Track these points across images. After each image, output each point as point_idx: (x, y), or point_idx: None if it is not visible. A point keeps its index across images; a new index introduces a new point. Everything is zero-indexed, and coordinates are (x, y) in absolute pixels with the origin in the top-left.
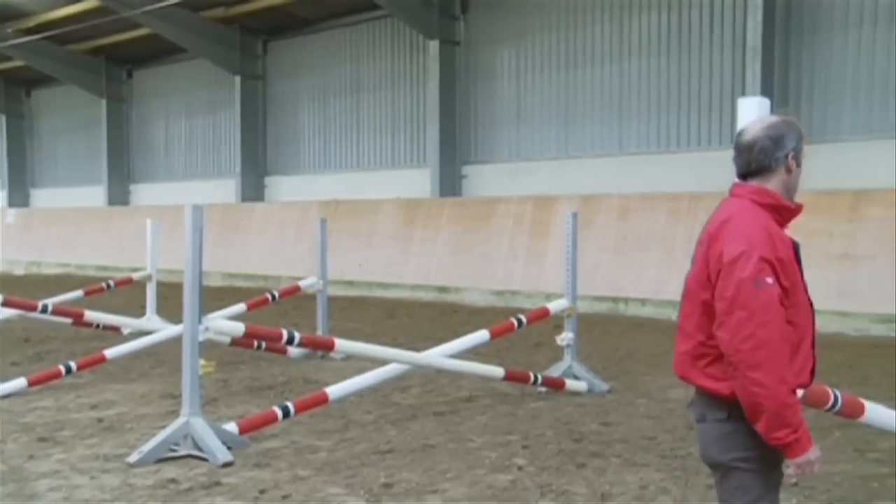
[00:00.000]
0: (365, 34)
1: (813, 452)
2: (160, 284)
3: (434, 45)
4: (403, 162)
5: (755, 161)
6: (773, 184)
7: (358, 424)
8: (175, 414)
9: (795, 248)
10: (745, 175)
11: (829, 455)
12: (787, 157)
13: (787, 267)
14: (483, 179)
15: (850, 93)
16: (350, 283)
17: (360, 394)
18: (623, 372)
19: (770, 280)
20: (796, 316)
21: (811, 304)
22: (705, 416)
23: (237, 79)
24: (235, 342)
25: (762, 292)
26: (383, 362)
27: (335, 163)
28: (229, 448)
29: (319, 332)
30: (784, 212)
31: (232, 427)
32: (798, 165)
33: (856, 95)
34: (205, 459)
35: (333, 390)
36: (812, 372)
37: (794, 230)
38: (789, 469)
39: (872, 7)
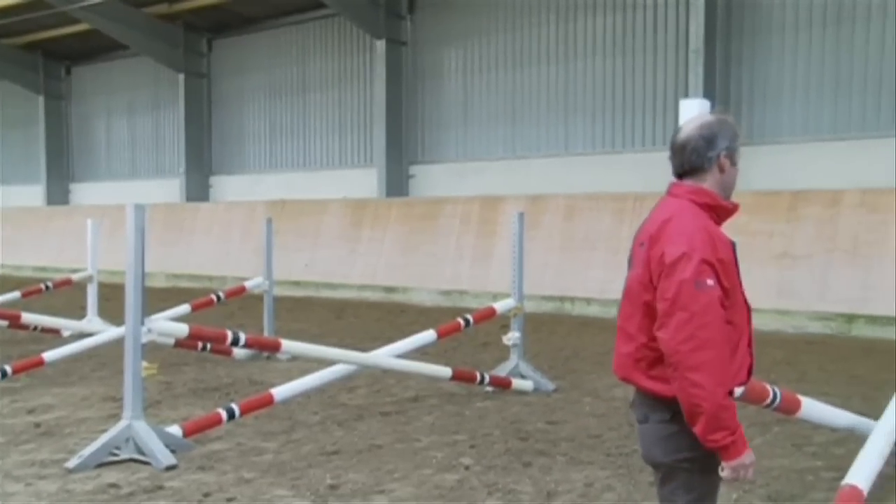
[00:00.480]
0: (311, 33)
1: (747, 456)
2: (101, 286)
3: (381, 45)
4: (350, 162)
5: (688, 161)
6: (708, 183)
7: (304, 425)
8: (116, 417)
9: (733, 247)
10: (680, 174)
11: (767, 450)
12: (718, 156)
13: (727, 268)
14: (430, 179)
15: (788, 95)
16: (297, 284)
17: (306, 395)
18: (569, 371)
19: (711, 282)
20: (734, 315)
21: (748, 303)
22: (648, 417)
23: (181, 77)
24: (179, 344)
25: (703, 294)
26: (330, 363)
27: (282, 162)
28: (173, 451)
29: (265, 333)
30: (721, 211)
31: (175, 430)
32: (733, 164)
33: (793, 98)
34: (147, 463)
35: (279, 391)
36: (750, 370)
37: (736, 230)
38: (724, 472)
39: (808, 11)
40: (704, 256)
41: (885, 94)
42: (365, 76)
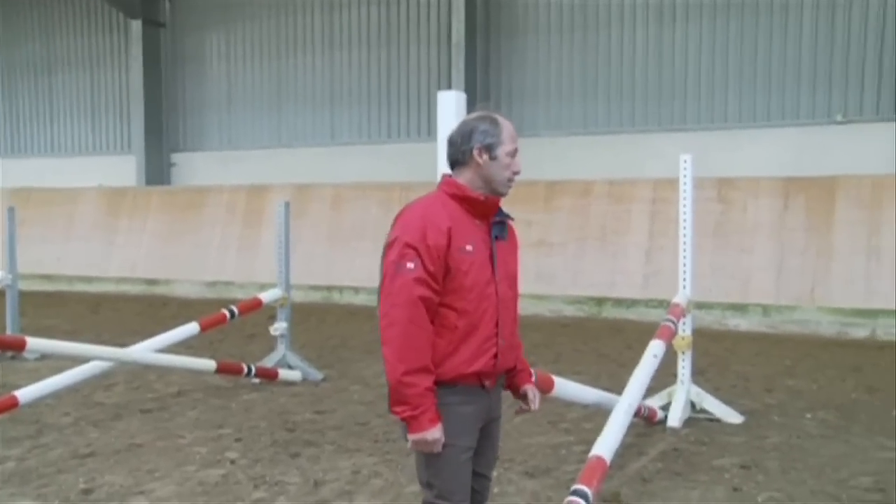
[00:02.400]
0: (56, 6)
1: (430, 434)
2: None
3: (137, 25)
4: (105, 148)
5: (450, 154)
6: (466, 176)
7: (54, 428)
8: None
9: (491, 237)
10: (451, 167)
11: (526, 428)
12: (472, 150)
13: (433, 253)
14: (193, 168)
15: (543, 92)
16: (47, 278)
17: (56, 395)
18: (337, 360)
19: (411, 265)
20: (459, 302)
21: (497, 294)
22: None
23: None
24: None
25: (400, 275)
26: (84, 360)
27: (26, 148)
28: None
29: (8, 331)
30: (474, 203)
31: None
32: (492, 158)
33: (548, 94)
34: None
35: (24, 393)
36: (495, 358)
37: None
38: (408, 444)
39: (558, 17)
40: (409, 241)
41: (626, 95)
42: (120, 58)
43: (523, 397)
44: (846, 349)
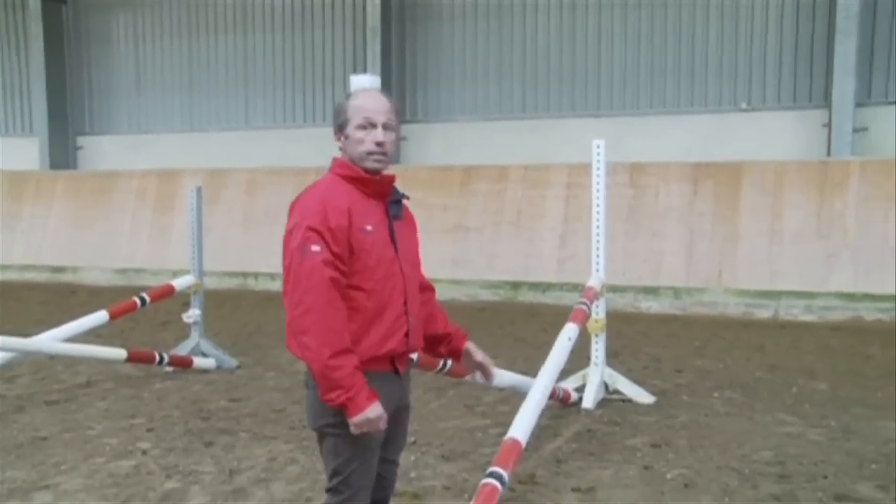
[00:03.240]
0: None
1: (371, 411)
2: None
3: (35, 2)
4: (4, 130)
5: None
6: (346, 158)
7: None
8: None
9: (389, 217)
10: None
11: (443, 412)
12: (336, 134)
13: (337, 235)
14: (101, 152)
15: (459, 77)
16: None
17: None
18: (253, 346)
19: (316, 248)
20: (366, 282)
21: (402, 272)
22: (307, 383)
23: None
24: None
25: (307, 260)
26: None
27: None
28: None
29: None
30: (369, 183)
31: None
32: (346, 138)
33: (463, 80)
34: None
35: None
36: (406, 337)
37: (414, 204)
38: (352, 428)
39: (474, 3)
40: (311, 224)
41: (542, 81)
42: (17, 36)
43: (468, 356)
44: (751, 329)
